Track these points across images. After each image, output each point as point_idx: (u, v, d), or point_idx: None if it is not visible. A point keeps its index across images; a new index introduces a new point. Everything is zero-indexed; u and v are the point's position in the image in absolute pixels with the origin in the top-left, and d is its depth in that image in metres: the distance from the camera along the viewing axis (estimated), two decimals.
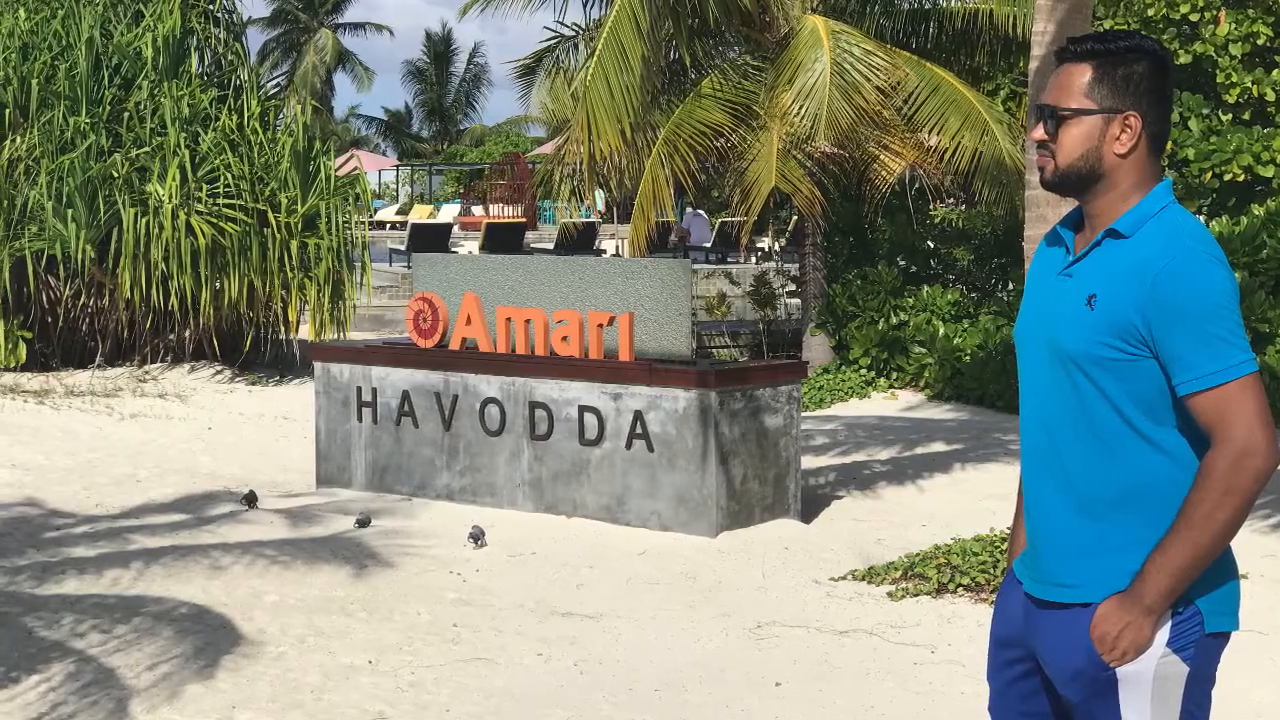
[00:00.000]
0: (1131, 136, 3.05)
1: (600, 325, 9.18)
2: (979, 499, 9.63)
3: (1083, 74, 3.07)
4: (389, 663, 6.38)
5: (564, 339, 9.29)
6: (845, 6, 17.38)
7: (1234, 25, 15.47)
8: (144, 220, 14.95)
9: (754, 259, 30.25)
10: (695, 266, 16.99)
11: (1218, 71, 15.50)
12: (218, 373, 15.36)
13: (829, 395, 15.64)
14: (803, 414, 10.49)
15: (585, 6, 18.62)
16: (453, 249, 31.05)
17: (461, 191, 53.01)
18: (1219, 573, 3.01)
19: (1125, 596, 2.97)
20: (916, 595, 7.53)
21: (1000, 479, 10.04)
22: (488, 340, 9.62)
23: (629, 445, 8.99)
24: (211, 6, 17.25)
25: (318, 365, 10.44)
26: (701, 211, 36.09)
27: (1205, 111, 15.34)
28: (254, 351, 15.87)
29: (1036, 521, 3.14)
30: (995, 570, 7.63)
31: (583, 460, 9.19)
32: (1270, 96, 15.33)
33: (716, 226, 33.79)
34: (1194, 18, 15.73)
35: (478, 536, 8.53)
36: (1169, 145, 10.53)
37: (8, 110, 15.53)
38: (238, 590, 7.39)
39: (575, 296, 9.39)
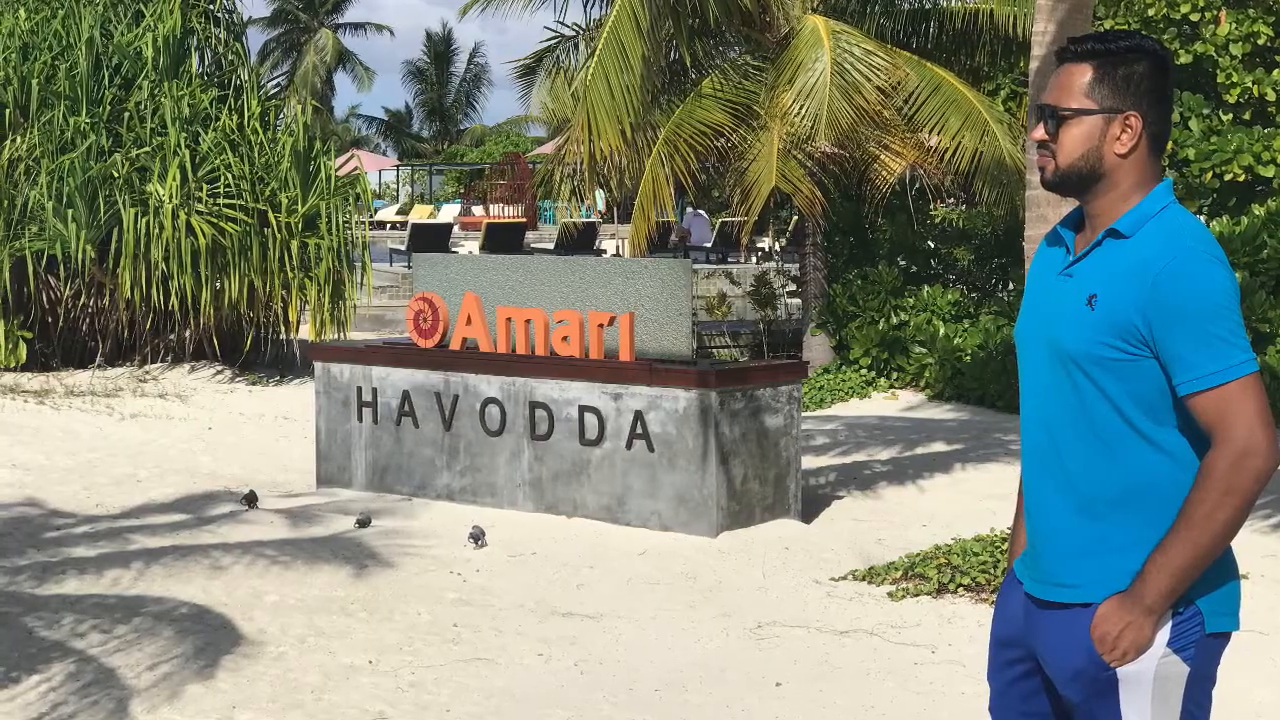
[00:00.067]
0: (1132, 136, 3.05)
1: (600, 325, 9.18)
2: (979, 499, 9.63)
3: (1083, 74, 3.07)
4: (389, 663, 6.38)
5: (564, 339, 9.29)
6: (846, 6, 17.38)
7: (1234, 25, 15.46)
8: (144, 220, 14.95)
9: (754, 259, 30.27)
10: (695, 266, 16.99)
11: (1218, 71, 15.50)
12: (218, 373, 15.36)
13: (829, 395, 15.64)
14: (803, 414, 10.49)
15: (585, 6, 18.69)
16: (453, 249, 31.05)
17: (462, 191, 53.01)
18: (1219, 573, 3.01)
19: (1126, 596, 2.97)
20: (917, 595, 7.52)
21: (1000, 479, 10.04)
22: (488, 340, 9.62)
23: (629, 445, 8.99)
24: (212, 6, 17.25)
25: (318, 365, 10.45)
26: (702, 211, 36.09)
27: (1206, 111, 15.34)
28: (254, 351, 15.87)
29: (1037, 521, 3.14)
30: (996, 570, 7.63)
31: (583, 460, 9.19)
32: (1271, 96, 15.32)
33: (717, 226, 33.79)
34: (1194, 18, 15.73)
35: (478, 536, 8.53)
36: (1169, 145, 10.53)
37: (8, 110, 15.53)
38: (238, 590, 7.39)
39: (575, 296, 9.39)
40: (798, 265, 18.29)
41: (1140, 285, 2.95)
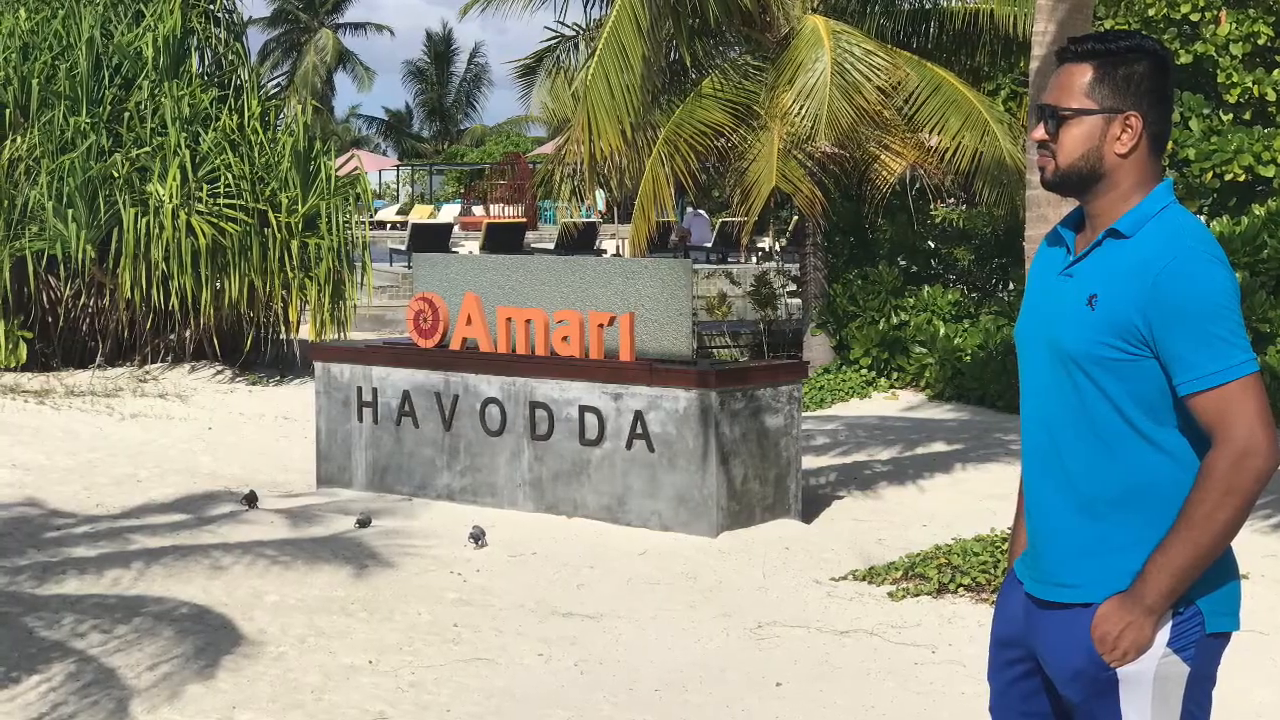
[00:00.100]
0: (1132, 136, 3.05)
1: (601, 325, 9.18)
2: (980, 499, 9.63)
3: (1083, 74, 3.07)
4: (389, 663, 6.38)
5: (564, 339, 9.29)
6: (846, 6, 17.39)
7: (1235, 25, 15.46)
8: (144, 220, 14.95)
9: (754, 259, 30.29)
10: (696, 266, 16.99)
11: (1218, 71, 15.50)
12: (218, 373, 15.36)
13: (830, 395, 15.64)
14: (803, 414, 10.49)
15: (585, 6, 18.71)
16: (453, 249, 31.05)
17: (462, 191, 53.04)
18: (1220, 573, 3.01)
19: (1126, 596, 2.97)
20: (917, 595, 7.52)
21: (1001, 479, 10.04)
22: (488, 340, 9.62)
23: (629, 445, 8.99)
24: (212, 6, 17.25)
25: (318, 365, 10.45)
26: (702, 211, 36.10)
27: (1206, 111, 15.33)
28: (254, 351, 15.87)
29: (1037, 521, 3.14)
30: (996, 570, 7.63)
31: (583, 460, 9.18)
32: (1271, 96, 15.32)
33: (717, 226, 33.80)
34: (1195, 18, 15.73)
35: (478, 536, 8.53)
36: (1169, 145, 10.53)
37: (8, 110, 15.53)
38: (238, 590, 7.39)
39: (576, 296, 9.39)
40: (798, 265, 18.30)
41: (1140, 285, 2.95)
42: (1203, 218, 14.71)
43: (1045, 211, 7.66)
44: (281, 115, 17.09)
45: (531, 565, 8.16)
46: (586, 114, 15.64)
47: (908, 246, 18.10)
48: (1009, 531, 5.39)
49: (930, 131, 16.02)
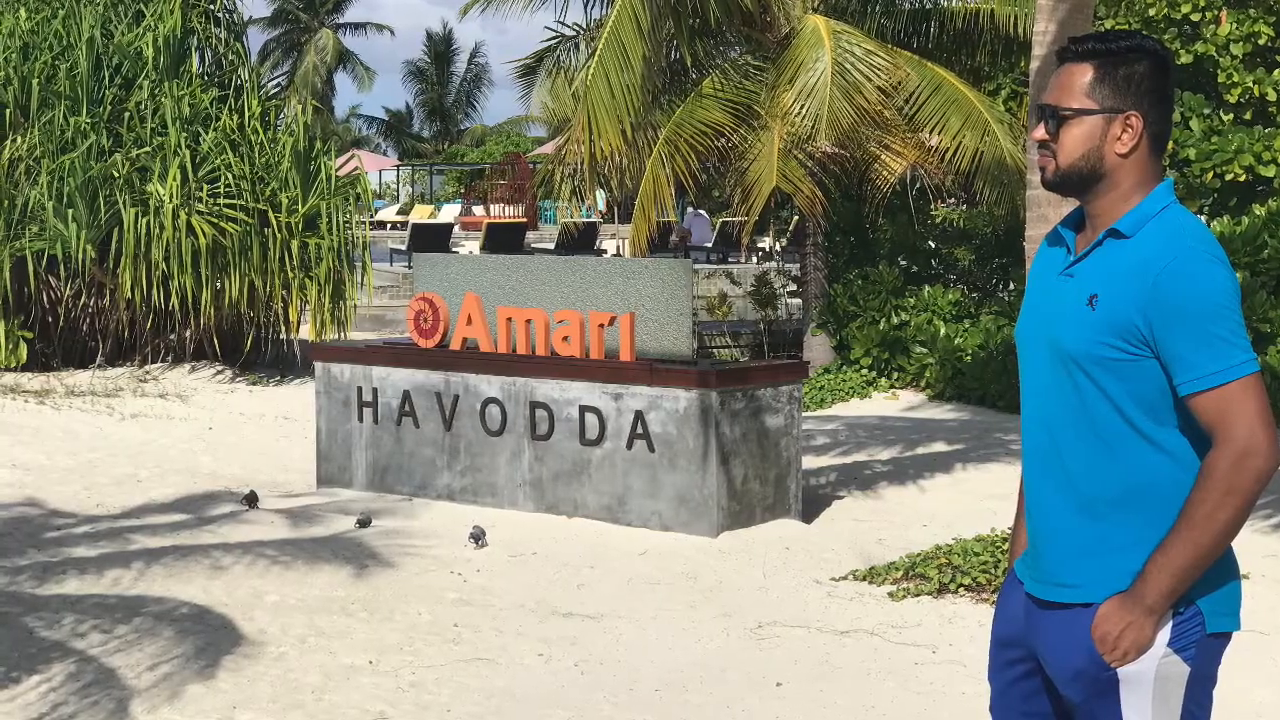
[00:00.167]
0: (1133, 136, 3.05)
1: (601, 325, 9.18)
2: (980, 499, 9.63)
3: (1084, 74, 3.06)
4: (390, 663, 6.38)
5: (565, 339, 9.29)
6: (846, 6, 17.39)
7: (1235, 25, 15.46)
8: (144, 220, 14.95)
9: (755, 259, 30.30)
10: (696, 266, 16.99)
11: (1219, 71, 15.49)
12: (218, 373, 15.36)
13: (830, 395, 15.64)
14: (804, 414, 10.48)
15: (586, 6, 18.67)
16: (453, 249, 31.05)
17: (462, 191, 53.04)
18: (1220, 573, 3.01)
19: (1126, 596, 2.97)
20: (918, 595, 7.52)
21: (1001, 479, 10.03)
22: (488, 340, 9.62)
23: (630, 445, 8.99)
24: (212, 6, 17.25)
25: (318, 365, 10.45)
26: (702, 211, 36.10)
27: (1206, 111, 15.33)
28: (254, 351, 15.87)
29: (1038, 521, 3.14)
30: (996, 570, 7.63)
31: (583, 460, 9.18)
32: (1271, 96, 15.32)
33: (717, 226, 33.80)
34: (1195, 17, 15.72)
35: (478, 536, 8.53)
36: (1170, 145, 10.52)
37: (8, 110, 15.53)
38: (238, 590, 7.39)
39: (576, 296, 9.39)
40: (798, 265, 18.30)
41: (1141, 285, 2.95)
42: (1203, 218, 14.70)
43: (1046, 211, 7.66)
44: (282, 115, 17.08)
45: (532, 565, 8.16)
46: (587, 114, 15.64)
47: (908, 246, 18.10)
48: (1009, 531, 5.39)
49: (931, 131, 16.02)
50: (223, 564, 7.85)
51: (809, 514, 9.32)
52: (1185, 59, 15.40)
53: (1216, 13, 15.65)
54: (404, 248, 29.99)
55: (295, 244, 15.61)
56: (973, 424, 13.38)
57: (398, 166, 62.60)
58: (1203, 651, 3.01)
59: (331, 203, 15.84)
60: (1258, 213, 14.01)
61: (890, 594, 7.58)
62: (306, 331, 16.20)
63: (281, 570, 7.76)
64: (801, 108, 15.16)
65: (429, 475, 9.84)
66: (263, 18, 69.03)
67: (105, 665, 6.19)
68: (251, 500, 9.55)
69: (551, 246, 33.11)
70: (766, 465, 9.01)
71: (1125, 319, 2.96)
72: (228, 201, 15.34)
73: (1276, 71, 15.39)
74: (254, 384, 15.13)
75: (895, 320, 16.09)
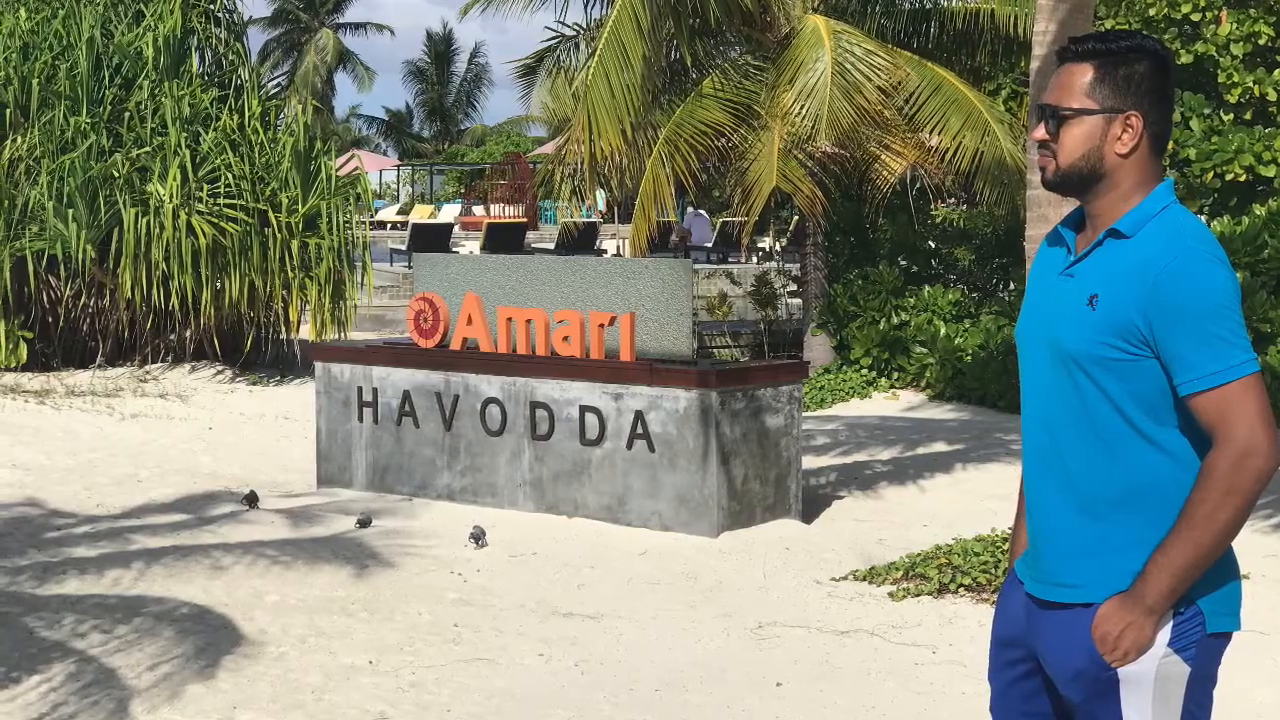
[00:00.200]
0: (1133, 136, 3.05)
1: (601, 325, 9.18)
2: (980, 499, 9.63)
3: (1084, 74, 3.06)
4: (390, 663, 6.38)
5: (565, 339, 9.29)
6: (846, 6, 17.39)
7: (1235, 25, 15.45)
8: (145, 220, 14.95)
9: (755, 259, 30.29)
10: (696, 266, 16.99)
11: (1219, 71, 15.49)
12: (218, 373, 15.36)
13: (830, 395, 15.64)
14: (804, 414, 10.48)
15: (586, 6, 18.68)
16: (454, 249, 31.05)
17: (462, 191, 53.03)
18: (1220, 573, 3.01)
19: (1127, 596, 2.97)
20: (918, 595, 7.52)
21: (1001, 479, 10.03)
22: (488, 340, 9.62)
23: (630, 445, 8.99)
24: (212, 6, 17.24)
25: (318, 365, 10.44)
26: (703, 211, 36.10)
27: (1207, 111, 15.33)
28: (255, 351, 15.87)
29: (1038, 521, 3.14)
30: (996, 570, 7.63)
31: (584, 460, 9.18)
32: (1272, 96, 15.31)
33: (718, 226, 33.80)
34: (1195, 17, 15.72)
35: (479, 536, 8.53)
36: (1170, 145, 10.51)
37: (8, 110, 15.53)
38: (239, 590, 7.39)
39: (576, 296, 9.39)
40: (798, 265, 18.30)
41: (1141, 285, 2.95)
42: (1203, 218, 14.70)
43: (1046, 211, 7.66)
44: (282, 115, 17.08)
45: (532, 565, 8.16)
46: (587, 114, 15.65)
47: (908, 246, 18.10)
48: (1009, 531, 5.39)
49: (931, 131, 16.02)
50: (223, 564, 7.85)
51: (809, 514, 9.32)
52: (1185, 59, 15.40)
53: (1216, 13, 15.65)
54: (404, 248, 29.99)
55: (295, 244, 15.61)
56: (973, 424, 13.38)
57: (398, 166, 62.60)
58: (1203, 651, 3.01)
59: (331, 203, 15.84)
60: (1258, 213, 14.01)
61: (890, 594, 7.58)
62: (306, 331, 16.20)
63: (282, 570, 7.76)
64: (801, 108, 15.16)
65: (429, 475, 9.84)
66: (263, 18, 69.11)
67: (105, 665, 6.19)
68: (251, 500, 9.55)
69: (551, 246, 33.11)
70: (767, 465, 9.01)
71: (1125, 319, 2.96)
72: (228, 201, 15.34)
73: (1277, 71, 15.39)
74: (254, 384, 15.13)
75: (895, 320, 16.09)
